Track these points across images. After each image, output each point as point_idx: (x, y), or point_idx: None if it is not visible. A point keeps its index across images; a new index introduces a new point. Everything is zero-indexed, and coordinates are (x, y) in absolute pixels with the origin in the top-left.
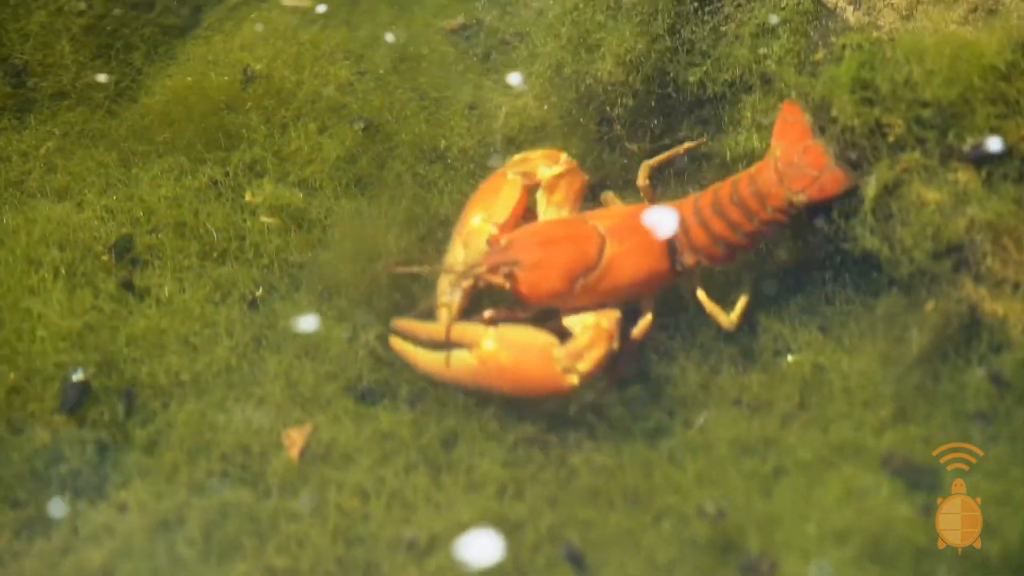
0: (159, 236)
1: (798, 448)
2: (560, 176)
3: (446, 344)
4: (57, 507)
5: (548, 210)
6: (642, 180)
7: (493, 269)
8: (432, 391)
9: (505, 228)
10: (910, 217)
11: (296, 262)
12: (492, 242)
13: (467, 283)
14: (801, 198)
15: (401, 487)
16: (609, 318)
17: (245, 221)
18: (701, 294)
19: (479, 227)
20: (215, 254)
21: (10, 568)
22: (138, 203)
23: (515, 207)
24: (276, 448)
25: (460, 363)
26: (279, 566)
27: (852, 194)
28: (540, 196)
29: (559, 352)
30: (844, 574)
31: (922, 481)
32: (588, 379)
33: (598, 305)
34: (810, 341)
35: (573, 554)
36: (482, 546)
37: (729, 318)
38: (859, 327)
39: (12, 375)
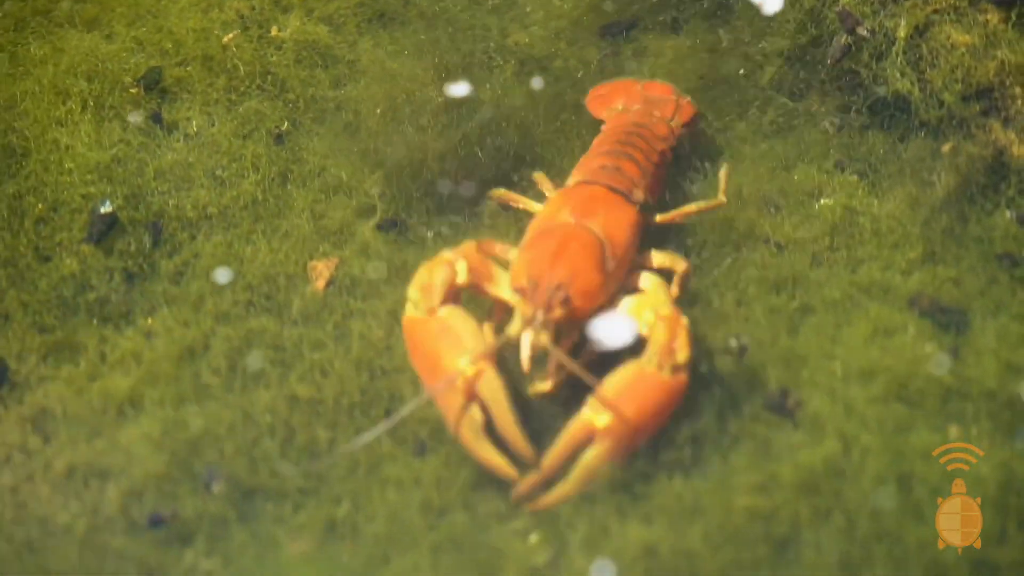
0: (187, 69)
1: (826, 287)
2: (471, 268)
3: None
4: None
5: (500, 286)
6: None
7: (550, 307)
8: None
9: (487, 357)
10: (940, 59)
11: (322, 97)
12: (520, 290)
13: (543, 336)
14: (677, 121)
15: None
16: (660, 301)
17: (271, 56)
18: (660, 217)
19: (472, 369)
20: (242, 88)
21: (37, 392)
22: (167, 35)
23: (480, 331)
24: (302, 280)
25: (599, 457)
26: (303, 395)
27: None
28: (485, 289)
29: (652, 364)
30: (870, 412)
31: (950, 322)
32: (691, 364)
33: (627, 281)
34: (843, 184)
35: None
36: None
37: (717, 198)
38: (889, 171)
39: (40, 205)
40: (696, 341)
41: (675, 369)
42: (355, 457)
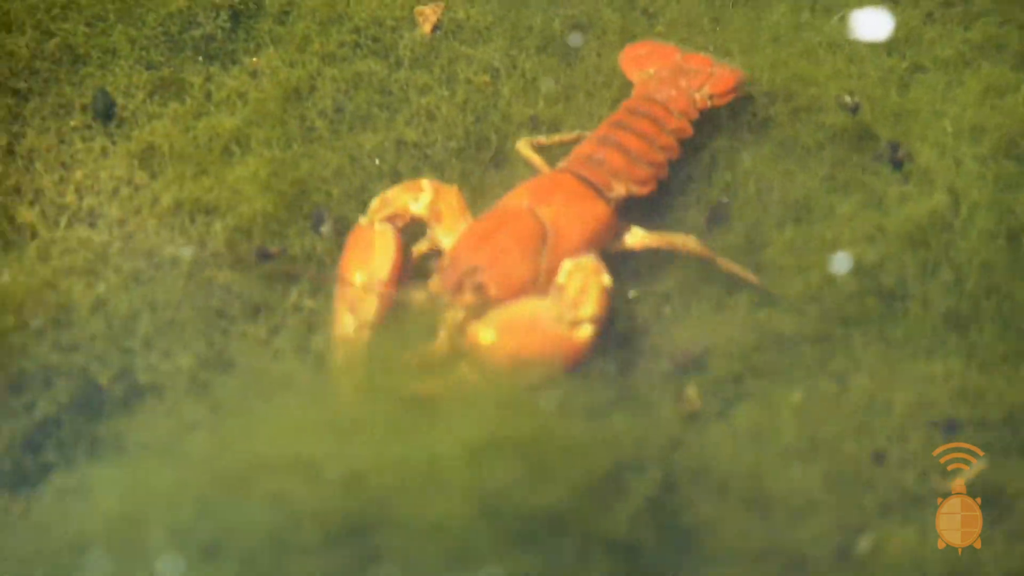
0: None
1: (938, 45)
2: (434, 202)
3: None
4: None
5: (447, 237)
6: (525, 151)
7: (458, 288)
8: None
9: (390, 283)
10: None
11: None
12: (439, 267)
13: (454, 315)
14: (704, 92)
15: (532, 68)
16: (586, 258)
17: None
18: (644, 237)
19: (363, 286)
20: None
21: (144, 129)
22: None
23: (394, 257)
24: (409, 23)
25: (470, 371)
26: (410, 138)
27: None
28: (433, 231)
29: (551, 311)
30: (979, 168)
31: None
32: (600, 323)
33: None
34: None
35: None
36: None
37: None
38: None
39: None
40: (805, 101)
41: (575, 323)
42: None
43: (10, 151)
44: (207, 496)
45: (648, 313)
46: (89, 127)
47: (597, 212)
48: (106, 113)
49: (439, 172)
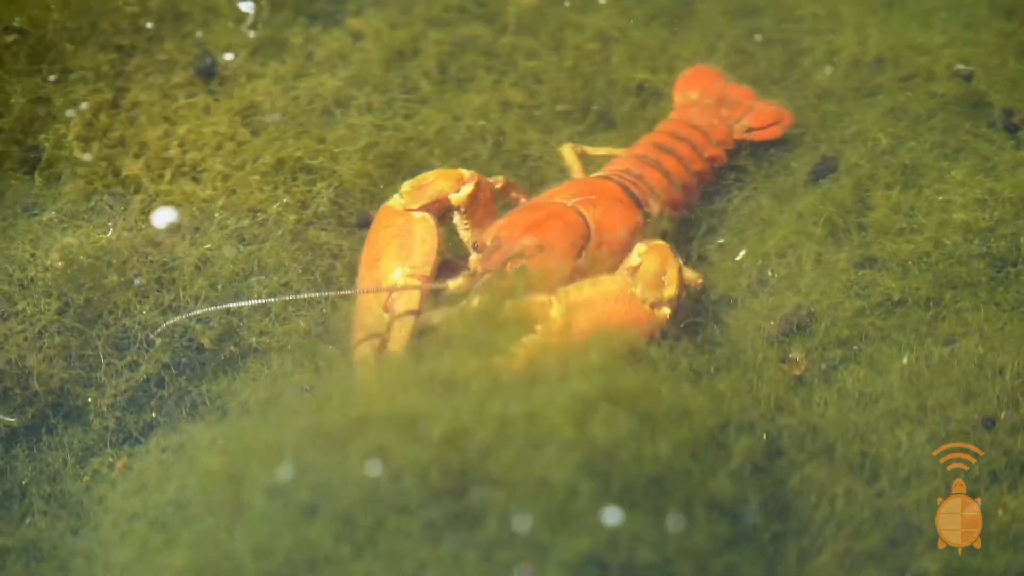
0: None
1: None
2: (473, 193)
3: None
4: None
5: (477, 230)
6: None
7: (502, 267)
8: None
9: (422, 277)
10: None
11: None
12: (481, 247)
13: (478, 300)
14: (744, 124)
15: (641, 36)
16: (659, 241)
17: None
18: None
19: (405, 283)
20: None
21: (246, 88)
22: None
23: (436, 251)
24: None
25: (535, 345)
26: (515, 100)
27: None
28: (459, 220)
29: (636, 288)
30: None
31: None
32: (678, 303)
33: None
34: None
35: None
36: None
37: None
38: None
39: None
40: (914, 68)
41: (657, 303)
42: None
43: (115, 105)
44: (308, 455)
45: (752, 276)
46: (192, 84)
47: (636, 221)
48: (208, 71)
49: (547, 133)
